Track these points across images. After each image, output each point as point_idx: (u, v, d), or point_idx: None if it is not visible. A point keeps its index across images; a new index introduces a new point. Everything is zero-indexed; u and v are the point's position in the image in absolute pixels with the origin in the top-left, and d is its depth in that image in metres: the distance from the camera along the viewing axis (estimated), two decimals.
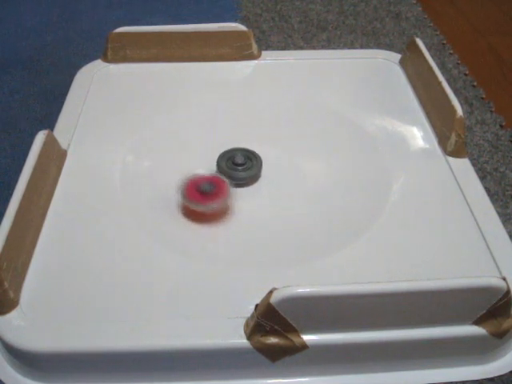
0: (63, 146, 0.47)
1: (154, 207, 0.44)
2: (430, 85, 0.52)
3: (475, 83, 0.77)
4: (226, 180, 0.42)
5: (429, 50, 0.56)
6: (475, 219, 0.42)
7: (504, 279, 0.34)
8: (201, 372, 0.35)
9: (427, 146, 0.49)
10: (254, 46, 0.59)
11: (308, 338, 0.34)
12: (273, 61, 0.60)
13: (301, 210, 0.44)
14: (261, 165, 0.46)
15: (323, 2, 0.96)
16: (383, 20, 0.91)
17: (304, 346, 0.34)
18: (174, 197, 0.44)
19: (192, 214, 0.42)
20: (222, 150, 0.48)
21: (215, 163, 0.46)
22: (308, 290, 0.32)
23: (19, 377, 0.35)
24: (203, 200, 0.41)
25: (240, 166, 0.45)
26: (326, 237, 0.42)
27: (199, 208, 0.41)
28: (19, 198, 0.38)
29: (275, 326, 0.33)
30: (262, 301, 0.33)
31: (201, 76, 0.57)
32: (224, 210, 0.42)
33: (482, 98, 0.75)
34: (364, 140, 0.50)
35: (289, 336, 0.34)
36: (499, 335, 0.35)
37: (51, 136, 0.45)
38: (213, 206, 0.41)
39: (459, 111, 0.47)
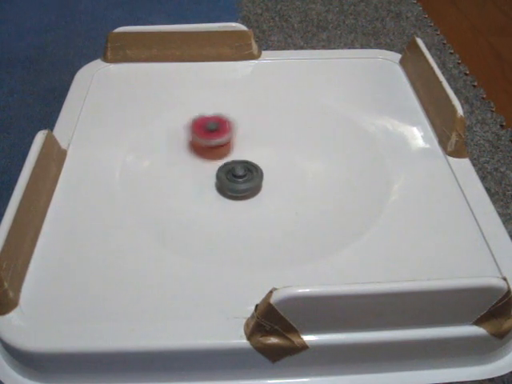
0: (63, 145, 0.47)
1: (154, 207, 0.44)
2: (430, 84, 0.52)
3: (476, 83, 0.78)
4: (229, 119, 0.48)
5: (429, 49, 0.56)
6: (476, 219, 0.42)
7: (504, 279, 0.33)
8: (201, 372, 0.35)
9: (427, 146, 0.49)
10: (254, 46, 0.59)
11: (308, 338, 0.34)
12: (273, 61, 0.60)
13: (300, 211, 0.44)
14: (261, 176, 0.45)
15: (323, 2, 0.96)
16: (383, 20, 0.91)
17: (304, 347, 0.34)
18: (174, 196, 0.44)
19: (200, 150, 0.48)
20: None
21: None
22: (308, 290, 0.32)
23: (19, 377, 0.35)
24: (210, 136, 0.47)
25: (240, 178, 0.44)
26: (326, 237, 0.42)
27: (206, 143, 0.47)
28: (19, 198, 0.38)
29: (275, 326, 0.33)
30: (262, 301, 0.33)
31: (201, 76, 0.57)
32: (227, 145, 0.48)
33: (483, 98, 0.75)
34: (364, 140, 0.50)
35: (289, 336, 0.34)
36: (499, 335, 0.35)
37: (51, 136, 0.45)
38: (218, 141, 0.47)
39: (460, 111, 0.47)
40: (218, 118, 0.48)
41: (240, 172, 0.44)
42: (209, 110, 0.48)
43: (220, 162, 0.46)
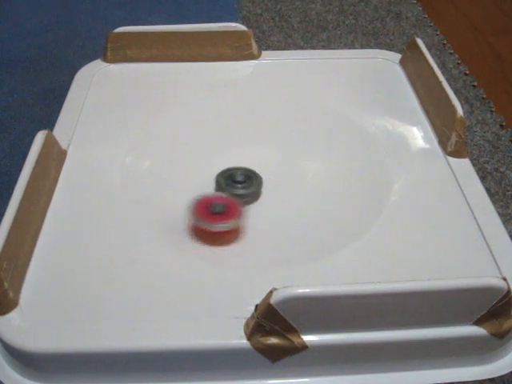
0: (63, 145, 0.47)
1: (154, 207, 0.44)
2: (430, 85, 0.52)
3: (475, 83, 0.78)
4: (238, 201, 0.42)
5: (429, 49, 0.56)
6: (476, 219, 0.42)
7: (504, 279, 0.33)
8: (201, 372, 0.35)
9: (427, 146, 0.49)
10: (254, 46, 0.59)
11: (308, 338, 0.34)
12: (273, 61, 0.60)
13: (300, 211, 0.44)
14: (260, 183, 0.45)
15: (323, 2, 0.96)
16: (383, 20, 0.91)
17: (304, 347, 0.34)
18: (174, 196, 0.44)
19: (203, 235, 0.41)
20: (222, 152, 0.48)
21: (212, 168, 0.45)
22: (308, 290, 0.32)
23: (19, 377, 0.35)
24: (215, 220, 0.40)
25: (240, 184, 0.44)
26: (326, 237, 0.42)
27: (211, 228, 0.40)
28: (19, 198, 0.38)
29: (275, 327, 0.33)
30: (262, 301, 0.33)
31: (201, 76, 0.57)
32: (236, 230, 0.42)
33: (483, 98, 0.75)
34: (364, 140, 0.50)
35: (289, 336, 0.34)
36: (499, 336, 0.35)
37: (51, 136, 0.45)
38: (224, 225, 0.40)
39: (460, 111, 0.47)
40: (224, 198, 0.42)
41: (240, 178, 0.44)
42: (208, 111, 0.48)
43: (225, 247, 0.41)
